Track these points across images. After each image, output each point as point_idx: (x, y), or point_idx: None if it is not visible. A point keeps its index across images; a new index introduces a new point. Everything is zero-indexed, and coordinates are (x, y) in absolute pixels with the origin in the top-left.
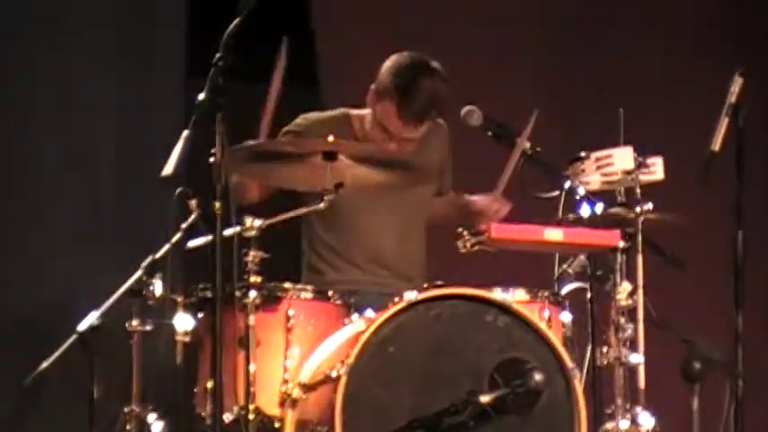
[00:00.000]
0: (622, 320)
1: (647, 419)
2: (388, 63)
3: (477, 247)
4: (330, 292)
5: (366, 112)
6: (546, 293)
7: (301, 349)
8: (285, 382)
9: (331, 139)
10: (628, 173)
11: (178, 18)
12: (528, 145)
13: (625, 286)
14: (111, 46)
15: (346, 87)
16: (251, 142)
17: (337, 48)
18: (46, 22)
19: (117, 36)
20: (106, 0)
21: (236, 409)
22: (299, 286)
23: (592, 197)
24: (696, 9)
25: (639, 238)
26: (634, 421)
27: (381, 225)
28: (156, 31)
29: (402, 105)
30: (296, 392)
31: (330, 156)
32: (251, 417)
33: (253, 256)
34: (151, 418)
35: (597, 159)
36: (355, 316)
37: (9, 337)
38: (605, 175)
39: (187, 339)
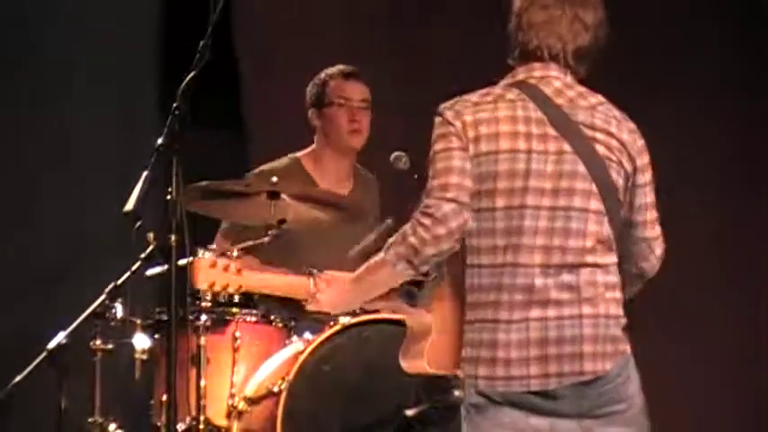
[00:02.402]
0: None
1: None
2: (310, 90)
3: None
4: (272, 316)
5: (310, 149)
6: None
7: (247, 367)
8: (232, 396)
9: (274, 179)
10: None
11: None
12: None
13: None
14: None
15: (271, 129)
16: (203, 183)
17: (264, 89)
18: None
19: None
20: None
21: (188, 419)
22: (246, 311)
23: None
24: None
25: None
26: None
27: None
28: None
29: (344, 72)
30: (241, 405)
31: (274, 195)
32: (201, 427)
33: None
34: (112, 427)
35: None
36: (295, 338)
37: None
38: None
39: (145, 357)
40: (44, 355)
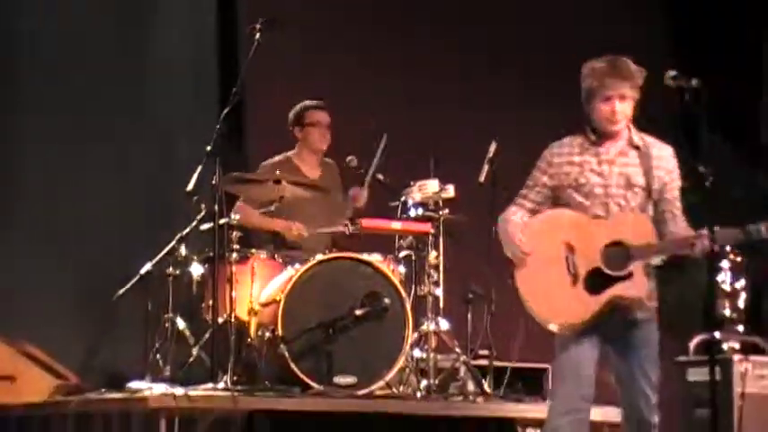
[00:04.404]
0: (431, 271)
1: (444, 324)
2: (292, 114)
3: (355, 231)
4: (275, 255)
5: (295, 150)
6: (391, 256)
7: (260, 284)
8: (251, 302)
9: (278, 173)
10: (435, 193)
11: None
12: (382, 176)
13: (433, 253)
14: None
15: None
16: (235, 174)
17: (263, 115)
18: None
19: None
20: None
21: (224, 315)
22: (260, 251)
23: (416, 205)
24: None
25: (441, 227)
26: (437, 325)
27: (308, 226)
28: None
29: (316, 105)
30: (257, 307)
31: (277, 182)
32: (232, 320)
33: (235, 234)
34: (179, 320)
35: (419, 185)
36: (289, 267)
37: (98, 279)
38: (423, 193)
39: (199, 279)
40: (138, 277)
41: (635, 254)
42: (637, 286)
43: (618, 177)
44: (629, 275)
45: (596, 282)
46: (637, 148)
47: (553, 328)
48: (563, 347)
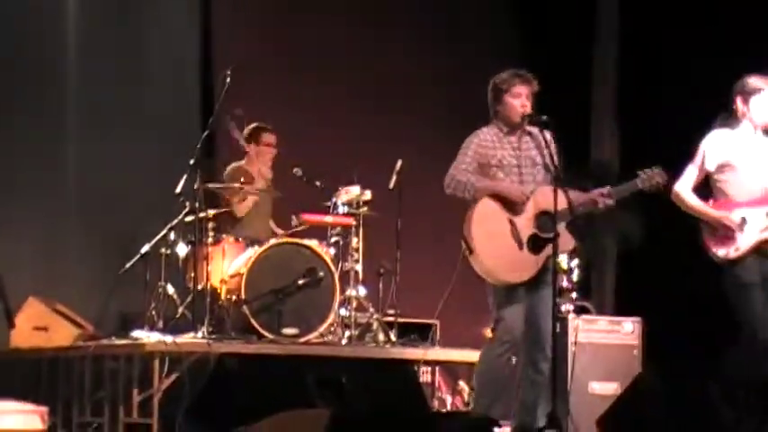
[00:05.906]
0: (354, 252)
1: (362, 290)
2: (248, 132)
3: (299, 224)
4: (240, 239)
5: (246, 160)
6: (325, 242)
7: (228, 261)
8: (222, 273)
9: (242, 179)
10: (357, 196)
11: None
12: (319, 183)
13: (355, 239)
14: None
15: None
16: (211, 184)
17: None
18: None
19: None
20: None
21: (202, 284)
22: (229, 236)
23: (343, 204)
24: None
25: (361, 221)
26: (357, 291)
27: (259, 219)
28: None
29: (266, 129)
30: (226, 278)
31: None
32: (208, 288)
33: (211, 224)
34: (168, 286)
35: (345, 190)
36: (250, 249)
37: (111, 256)
38: (348, 196)
39: (184, 257)
40: (139, 255)
41: (558, 218)
42: (565, 242)
43: (526, 159)
44: (558, 235)
45: (536, 244)
46: (529, 134)
47: (510, 281)
48: (507, 301)
